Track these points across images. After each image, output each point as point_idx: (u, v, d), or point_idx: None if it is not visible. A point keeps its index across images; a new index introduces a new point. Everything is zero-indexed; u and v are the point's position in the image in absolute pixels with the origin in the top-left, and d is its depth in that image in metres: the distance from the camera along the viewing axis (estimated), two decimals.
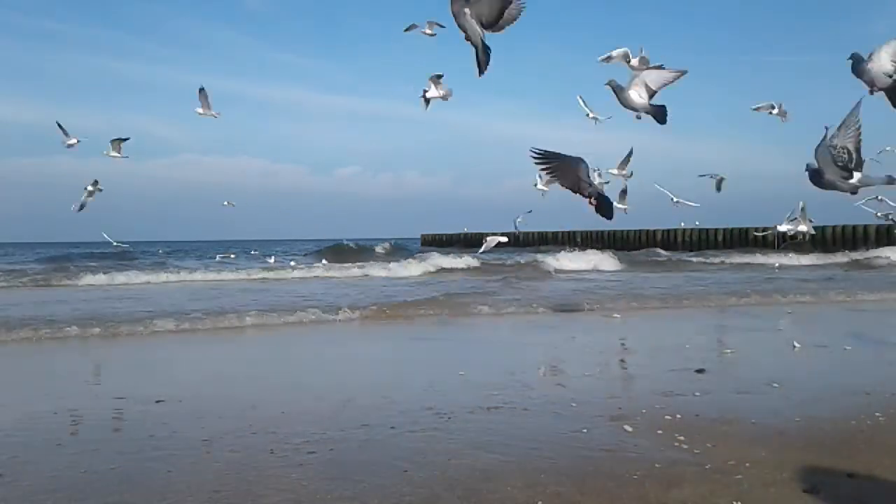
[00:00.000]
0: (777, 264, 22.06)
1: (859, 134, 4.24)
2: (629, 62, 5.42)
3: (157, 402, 4.71)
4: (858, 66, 4.16)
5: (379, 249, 32.32)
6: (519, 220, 9.61)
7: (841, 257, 25.84)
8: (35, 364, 7.07)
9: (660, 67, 4.65)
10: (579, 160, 4.80)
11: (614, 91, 4.68)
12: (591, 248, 35.02)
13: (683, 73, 4.68)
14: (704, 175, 8.60)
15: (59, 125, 7.27)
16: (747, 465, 3.21)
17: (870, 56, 4.16)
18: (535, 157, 4.73)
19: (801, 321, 9.40)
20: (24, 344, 7.79)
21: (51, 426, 4.19)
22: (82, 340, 7.99)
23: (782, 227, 7.47)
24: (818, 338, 7.26)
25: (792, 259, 24.58)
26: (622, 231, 40.94)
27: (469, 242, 44.00)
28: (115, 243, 12.65)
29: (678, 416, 4.10)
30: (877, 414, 4.15)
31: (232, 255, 24.46)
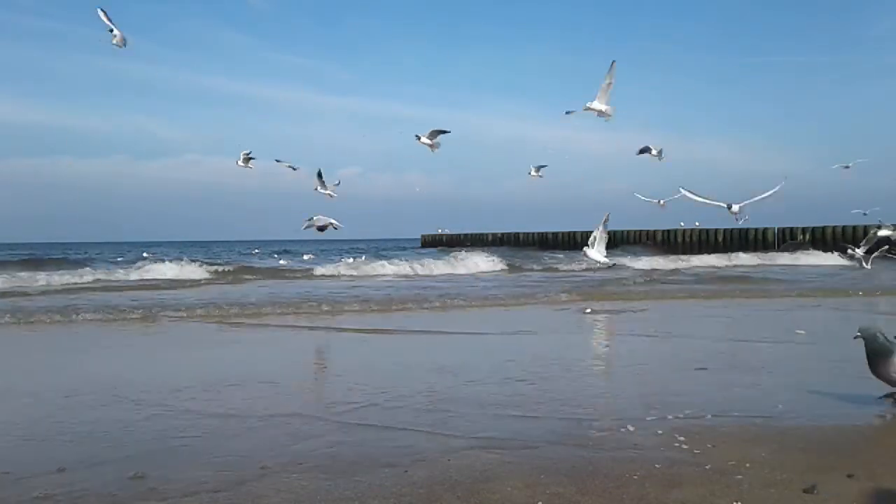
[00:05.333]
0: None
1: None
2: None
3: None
4: None
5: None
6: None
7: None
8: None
9: None
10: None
11: None
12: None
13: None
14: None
15: (103, 11, 7.19)
16: (747, 465, 3.21)
17: None
18: None
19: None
20: None
21: (52, 424, 4.21)
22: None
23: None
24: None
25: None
26: (622, 231, 40.94)
27: (467, 243, 44.00)
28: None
29: (678, 416, 4.10)
30: (877, 414, 4.15)
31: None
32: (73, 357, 7.37)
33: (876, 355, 4.11)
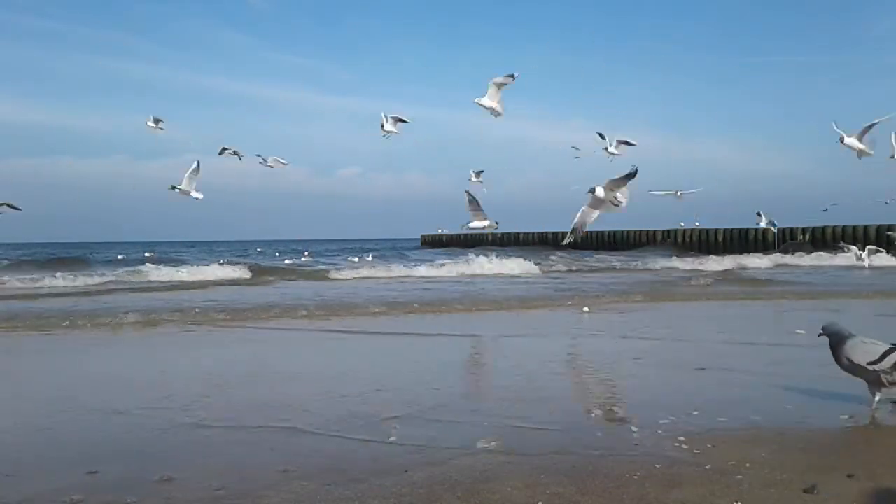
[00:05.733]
0: None
1: None
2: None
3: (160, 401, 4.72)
4: None
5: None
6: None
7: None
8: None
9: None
10: None
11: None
12: (591, 248, 35.00)
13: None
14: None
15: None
16: (747, 465, 3.21)
17: None
18: None
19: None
20: None
21: (49, 423, 4.21)
22: None
23: None
24: None
25: None
26: (622, 231, 40.95)
27: (467, 243, 44.04)
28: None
29: (678, 416, 4.10)
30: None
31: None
32: (103, 360, 7.39)
33: (835, 345, 4.19)
